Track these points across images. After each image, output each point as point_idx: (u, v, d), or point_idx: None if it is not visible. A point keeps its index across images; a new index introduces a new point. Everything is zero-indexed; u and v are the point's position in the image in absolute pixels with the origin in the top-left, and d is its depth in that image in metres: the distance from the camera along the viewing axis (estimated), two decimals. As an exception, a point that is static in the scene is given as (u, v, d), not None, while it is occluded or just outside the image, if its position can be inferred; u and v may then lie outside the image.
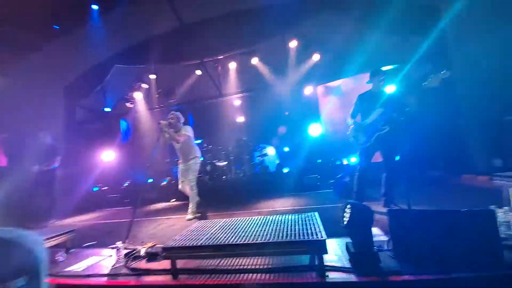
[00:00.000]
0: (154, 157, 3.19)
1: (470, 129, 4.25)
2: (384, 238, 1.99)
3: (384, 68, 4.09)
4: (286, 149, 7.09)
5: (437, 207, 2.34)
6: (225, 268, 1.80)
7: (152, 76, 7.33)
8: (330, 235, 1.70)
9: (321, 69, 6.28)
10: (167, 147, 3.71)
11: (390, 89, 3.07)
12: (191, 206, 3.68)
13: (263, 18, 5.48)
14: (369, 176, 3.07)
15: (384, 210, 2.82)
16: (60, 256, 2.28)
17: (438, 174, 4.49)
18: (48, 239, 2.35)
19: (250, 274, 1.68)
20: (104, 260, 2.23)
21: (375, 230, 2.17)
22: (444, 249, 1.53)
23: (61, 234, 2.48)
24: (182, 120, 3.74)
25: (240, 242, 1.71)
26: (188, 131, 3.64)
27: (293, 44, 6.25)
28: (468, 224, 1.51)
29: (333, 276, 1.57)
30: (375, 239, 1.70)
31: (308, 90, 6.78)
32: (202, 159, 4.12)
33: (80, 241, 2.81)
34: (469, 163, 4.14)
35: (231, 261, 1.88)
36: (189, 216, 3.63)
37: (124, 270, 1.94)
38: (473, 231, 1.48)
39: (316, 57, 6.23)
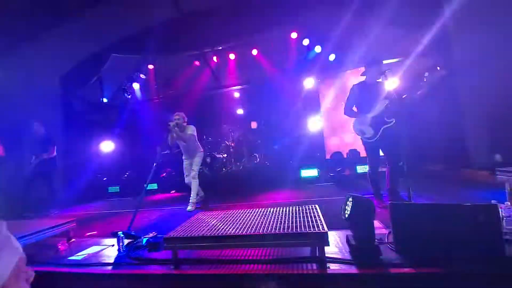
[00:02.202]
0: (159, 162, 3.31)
1: (471, 123, 4.24)
2: (385, 231, 2.00)
3: (382, 59, 4.03)
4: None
5: (439, 201, 2.35)
6: (226, 258, 1.81)
7: (151, 66, 7.22)
8: (329, 227, 1.70)
9: (322, 61, 6.19)
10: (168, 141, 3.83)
11: (389, 80, 2.97)
12: (192, 198, 3.73)
13: (264, 8, 5.37)
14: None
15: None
16: (62, 246, 2.29)
17: (439, 168, 4.51)
18: (49, 228, 2.35)
19: (251, 265, 1.70)
20: (106, 249, 2.24)
21: (376, 223, 2.18)
22: (445, 242, 1.54)
23: (62, 224, 2.48)
24: (186, 119, 3.92)
25: (241, 233, 1.72)
26: (193, 130, 3.86)
27: (294, 35, 6.14)
28: (470, 218, 1.51)
29: (334, 267, 1.58)
30: (376, 232, 1.70)
31: (308, 83, 6.71)
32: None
33: (82, 231, 2.83)
34: (470, 158, 4.15)
35: (232, 252, 1.90)
36: (190, 207, 3.67)
37: (126, 260, 1.95)
38: (475, 225, 1.49)
39: (318, 49, 6.14)
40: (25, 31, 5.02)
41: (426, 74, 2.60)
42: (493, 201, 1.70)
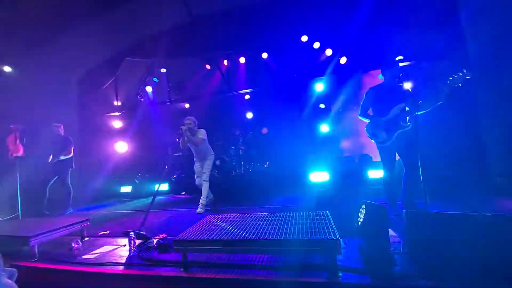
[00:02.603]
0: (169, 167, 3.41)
1: (491, 130, 4.05)
2: (400, 240, 1.93)
3: (399, 61, 3.92)
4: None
5: (457, 210, 2.25)
6: (235, 263, 1.80)
7: (163, 70, 7.37)
8: (340, 234, 1.66)
9: (333, 64, 6.12)
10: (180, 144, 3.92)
11: (405, 84, 2.88)
12: (202, 200, 3.76)
13: (274, 12, 5.39)
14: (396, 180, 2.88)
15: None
16: (76, 244, 2.35)
17: (458, 175, 4.32)
18: (64, 227, 2.42)
19: (261, 271, 1.68)
20: (118, 249, 2.28)
21: (390, 232, 2.11)
22: (464, 256, 1.46)
23: (76, 223, 2.55)
24: (197, 123, 4.00)
25: (251, 238, 1.70)
26: (204, 134, 3.92)
27: (304, 38, 6.12)
28: (493, 231, 1.43)
29: (346, 277, 1.54)
30: (390, 240, 1.64)
31: (319, 86, 6.66)
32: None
33: (95, 230, 2.89)
34: (491, 164, 3.96)
35: (242, 256, 1.88)
36: (200, 209, 3.70)
37: (137, 260, 1.98)
38: (499, 239, 1.40)
39: (328, 52, 6.07)
40: (43, 34, 5.25)
41: (450, 78, 2.49)
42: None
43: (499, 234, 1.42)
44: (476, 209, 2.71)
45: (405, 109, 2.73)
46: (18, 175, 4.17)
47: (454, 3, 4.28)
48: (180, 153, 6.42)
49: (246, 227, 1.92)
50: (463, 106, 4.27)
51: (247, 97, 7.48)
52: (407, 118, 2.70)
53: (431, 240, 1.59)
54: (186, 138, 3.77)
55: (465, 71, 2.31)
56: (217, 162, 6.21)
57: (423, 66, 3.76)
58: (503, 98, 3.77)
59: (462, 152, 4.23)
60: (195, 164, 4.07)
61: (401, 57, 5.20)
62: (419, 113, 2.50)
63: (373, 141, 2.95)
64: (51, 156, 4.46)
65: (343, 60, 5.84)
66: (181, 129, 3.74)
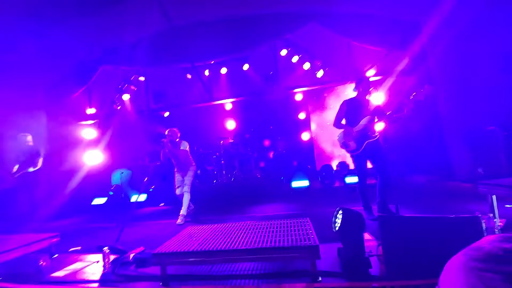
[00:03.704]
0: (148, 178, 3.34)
1: (454, 138, 4.45)
2: (375, 243, 2.03)
3: (369, 77, 4.22)
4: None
5: (424, 213, 2.42)
6: (217, 274, 1.78)
7: (142, 78, 7.21)
8: (321, 240, 1.72)
9: (311, 77, 6.41)
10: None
11: (375, 97, 3.12)
12: (183, 211, 3.66)
13: (256, 25, 5.57)
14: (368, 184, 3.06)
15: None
16: (44, 262, 2.17)
17: (424, 181, 4.66)
18: (30, 243, 2.24)
19: (242, 280, 1.68)
20: (91, 265, 2.14)
21: (366, 235, 2.22)
22: (432, 255, 1.58)
23: (44, 239, 2.37)
24: (179, 135, 3.95)
25: (232, 248, 1.70)
26: (186, 146, 3.89)
27: (283, 52, 6.38)
28: (455, 231, 1.57)
29: (325, 281, 1.59)
30: (366, 244, 1.73)
31: (298, 97, 6.91)
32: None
33: (65, 246, 2.70)
34: (454, 171, 4.32)
35: (223, 267, 1.87)
36: (180, 220, 3.60)
37: (112, 277, 1.88)
38: (460, 237, 1.54)
39: (306, 65, 6.36)
40: (9, 34, 4.94)
41: (414, 93, 2.75)
42: (477, 213, 1.78)
43: (462, 234, 1.56)
44: (441, 212, 2.94)
45: (373, 120, 2.95)
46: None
47: (416, 24, 4.74)
48: (159, 163, 6.25)
49: (227, 237, 1.92)
50: (428, 118, 4.67)
51: (229, 106, 7.53)
52: (375, 128, 2.93)
53: (402, 241, 1.70)
54: (167, 150, 3.71)
55: (426, 86, 2.57)
56: (198, 172, 6.12)
57: (390, 81, 4.10)
58: (462, 110, 4.18)
59: (429, 160, 4.59)
60: (176, 174, 3.99)
61: (373, 72, 5.63)
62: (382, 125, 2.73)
63: (344, 150, 3.14)
64: (16, 167, 4.13)
65: (319, 73, 6.14)
66: (162, 141, 3.69)
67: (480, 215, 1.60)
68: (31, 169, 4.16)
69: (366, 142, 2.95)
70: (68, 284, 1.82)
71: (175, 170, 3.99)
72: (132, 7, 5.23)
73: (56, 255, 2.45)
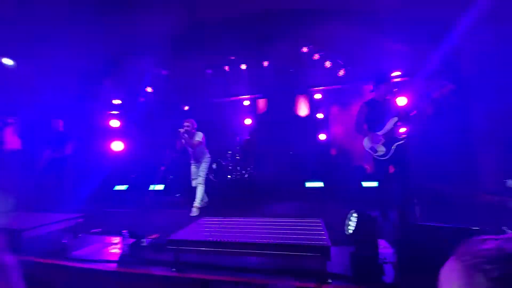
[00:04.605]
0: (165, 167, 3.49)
1: (483, 145, 4.15)
2: (390, 250, 1.97)
3: (393, 77, 4.02)
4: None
5: (446, 223, 2.30)
6: (227, 265, 1.82)
7: (164, 72, 7.44)
8: (333, 242, 1.69)
9: (332, 76, 6.26)
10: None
11: (398, 98, 2.97)
12: (196, 203, 3.77)
13: (277, 22, 5.52)
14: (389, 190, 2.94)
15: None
16: (68, 240, 2.34)
17: (449, 190, 4.40)
18: (57, 222, 2.42)
19: (251, 274, 1.70)
20: (110, 247, 2.28)
21: (381, 242, 2.15)
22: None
23: (69, 219, 2.55)
24: (195, 126, 4.06)
25: (243, 241, 1.72)
26: (201, 137, 3.98)
27: (305, 49, 6.26)
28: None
29: (335, 283, 1.57)
30: (380, 250, 1.68)
31: (317, 96, 6.79)
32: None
33: (88, 227, 2.88)
34: (481, 181, 4.05)
35: (232, 259, 1.90)
36: (194, 211, 3.71)
37: (129, 259, 1.98)
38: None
39: (327, 64, 6.21)
40: (46, 29, 5.28)
41: (436, 92, 2.60)
42: (504, 228, 1.66)
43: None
44: (465, 223, 2.77)
45: (399, 122, 2.81)
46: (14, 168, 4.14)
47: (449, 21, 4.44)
48: (177, 155, 6.44)
49: (238, 231, 1.95)
50: (455, 122, 4.39)
51: (246, 103, 7.57)
52: (402, 131, 2.79)
53: (420, 250, 1.63)
54: (183, 140, 3.82)
55: (451, 84, 2.41)
56: (214, 166, 6.22)
57: (414, 81, 3.88)
58: (495, 115, 3.88)
59: (454, 166, 4.32)
60: (191, 166, 4.10)
61: (398, 73, 5.37)
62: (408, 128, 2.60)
63: (373, 154, 3.00)
64: (48, 151, 4.45)
65: (341, 72, 5.97)
66: (179, 131, 3.81)
67: (506, 229, 1.49)
68: (61, 154, 4.47)
69: (395, 145, 2.81)
70: (89, 262, 1.95)
71: (191, 161, 4.10)
72: (159, 5, 5.41)
73: (80, 235, 2.62)
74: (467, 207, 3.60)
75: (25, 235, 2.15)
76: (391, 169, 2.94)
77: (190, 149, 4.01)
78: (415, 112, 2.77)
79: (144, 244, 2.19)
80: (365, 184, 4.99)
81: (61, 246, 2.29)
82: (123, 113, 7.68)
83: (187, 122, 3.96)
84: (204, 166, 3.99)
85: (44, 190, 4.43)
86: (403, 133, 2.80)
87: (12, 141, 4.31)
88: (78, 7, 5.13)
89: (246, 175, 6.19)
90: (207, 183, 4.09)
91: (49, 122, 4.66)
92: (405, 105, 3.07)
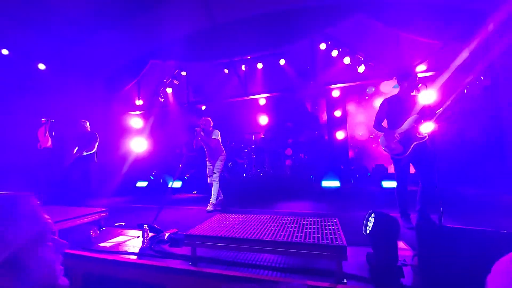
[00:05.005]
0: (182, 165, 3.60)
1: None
2: (411, 253, 1.90)
3: (418, 72, 3.79)
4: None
5: (472, 226, 2.17)
6: (242, 262, 1.84)
7: (184, 73, 7.65)
8: (350, 242, 1.66)
9: (351, 72, 6.09)
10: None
11: (424, 95, 2.81)
12: (212, 199, 3.85)
13: (294, 19, 5.46)
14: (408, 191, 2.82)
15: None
16: (93, 232, 2.49)
17: (475, 191, 4.13)
18: (84, 216, 2.58)
19: (265, 271, 1.71)
20: (132, 240, 2.39)
21: (401, 244, 2.07)
22: (474, 271, 1.42)
23: (95, 213, 2.71)
24: (212, 124, 4.14)
25: (259, 238, 1.74)
26: (217, 135, 4.04)
27: (322, 46, 6.14)
28: (504, 247, 1.38)
29: (350, 284, 1.54)
30: (400, 253, 1.62)
31: (335, 93, 6.63)
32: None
33: (112, 221, 3.05)
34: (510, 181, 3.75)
35: (248, 255, 1.93)
36: (210, 208, 3.79)
37: (149, 252, 2.07)
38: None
39: (346, 60, 6.05)
40: (75, 34, 5.63)
41: (468, 87, 2.44)
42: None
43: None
44: (491, 227, 2.59)
45: (420, 120, 2.68)
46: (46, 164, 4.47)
47: (481, 14, 4.14)
48: (195, 153, 6.61)
49: (254, 228, 1.96)
50: (486, 120, 4.09)
51: (262, 102, 7.58)
52: (423, 129, 2.65)
53: (442, 253, 1.56)
54: (199, 138, 3.91)
55: (482, 78, 2.25)
56: (229, 164, 6.31)
57: (443, 78, 3.65)
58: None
59: (483, 169, 4.04)
60: (207, 163, 4.18)
61: (424, 67, 5.10)
62: (434, 124, 2.46)
63: (388, 153, 2.90)
64: (76, 149, 4.76)
65: (361, 68, 5.78)
66: (195, 129, 3.91)
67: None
68: (85, 153, 4.75)
69: (414, 144, 2.69)
70: (112, 254, 2.06)
71: (207, 159, 4.19)
72: (178, 8, 5.57)
73: (104, 228, 2.78)
74: (495, 210, 3.36)
75: (56, 227, 2.31)
76: (412, 169, 2.82)
77: (206, 147, 4.09)
78: (441, 109, 2.62)
79: (163, 238, 2.28)
80: (385, 184, 4.81)
81: (87, 238, 2.45)
82: (145, 113, 8.01)
83: (204, 120, 4.05)
84: (219, 164, 4.04)
85: (72, 186, 4.75)
86: (423, 132, 2.66)
87: (44, 140, 4.65)
88: (103, 11, 5.42)
89: (261, 174, 6.21)
90: (223, 181, 4.16)
91: (76, 122, 4.97)
92: (431, 102, 2.90)
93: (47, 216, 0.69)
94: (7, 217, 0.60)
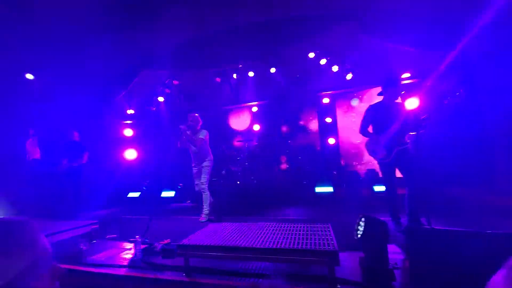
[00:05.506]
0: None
1: (500, 146, 4.00)
2: (402, 256, 1.94)
3: (401, 80, 3.96)
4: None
5: (459, 227, 2.23)
6: (235, 270, 1.84)
7: (176, 82, 7.67)
8: (342, 248, 1.69)
9: (339, 80, 6.25)
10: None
11: (405, 101, 2.93)
12: (205, 209, 3.78)
13: (284, 29, 5.62)
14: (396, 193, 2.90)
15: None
16: (84, 245, 2.43)
17: (461, 192, 4.25)
18: (74, 228, 2.53)
19: (260, 279, 1.71)
20: (124, 252, 2.35)
21: (392, 248, 2.11)
22: (464, 272, 1.47)
23: (85, 225, 2.65)
24: (200, 123, 3.89)
25: (252, 246, 1.75)
26: (205, 135, 3.77)
27: (311, 55, 6.30)
28: (492, 248, 1.44)
29: (343, 288, 1.56)
30: (391, 256, 1.66)
31: (325, 101, 6.78)
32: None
33: (103, 233, 2.99)
34: (497, 183, 3.89)
35: (242, 264, 1.92)
36: (203, 218, 3.73)
37: (141, 264, 2.04)
38: (498, 256, 1.41)
39: (335, 68, 6.21)
40: (65, 45, 5.61)
41: (448, 98, 2.58)
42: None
43: (499, 252, 1.42)
44: (478, 227, 2.67)
45: (404, 126, 2.79)
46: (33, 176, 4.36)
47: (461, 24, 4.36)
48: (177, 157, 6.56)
49: (248, 236, 1.97)
50: (470, 121, 4.25)
51: (254, 109, 7.66)
52: (406, 135, 2.76)
53: (432, 256, 1.60)
54: (184, 137, 3.64)
55: (457, 94, 2.38)
56: (223, 172, 6.29)
57: (424, 84, 3.81)
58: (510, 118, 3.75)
59: (468, 170, 4.18)
60: (193, 168, 3.86)
61: (407, 75, 5.30)
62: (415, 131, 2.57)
63: (372, 157, 3.01)
64: (65, 159, 4.66)
65: (349, 76, 5.96)
66: (180, 128, 3.66)
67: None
68: (75, 164, 4.67)
69: (396, 149, 2.80)
70: (104, 267, 2.02)
71: (192, 164, 3.84)
72: (169, 19, 5.64)
73: (95, 241, 2.72)
74: (480, 210, 3.47)
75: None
76: (398, 174, 2.91)
77: (192, 148, 3.74)
78: (426, 115, 2.74)
79: (156, 249, 2.25)
80: (377, 188, 4.89)
81: (78, 251, 2.39)
82: (136, 122, 7.95)
83: (191, 117, 3.74)
84: (205, 171, 3.70)
85: (62, 198, 4.63)
86: (407, 137, 2.78)
87: (33, 151, 4.55)
88: (95, 23, 5.43)
89: (254, 181, 6.21)
90: (217, 189, 4.00)
91: (65, 132, 4.90)
92: (415, 108, 3.03)
93: (45, 242, 0.66)
94: None
